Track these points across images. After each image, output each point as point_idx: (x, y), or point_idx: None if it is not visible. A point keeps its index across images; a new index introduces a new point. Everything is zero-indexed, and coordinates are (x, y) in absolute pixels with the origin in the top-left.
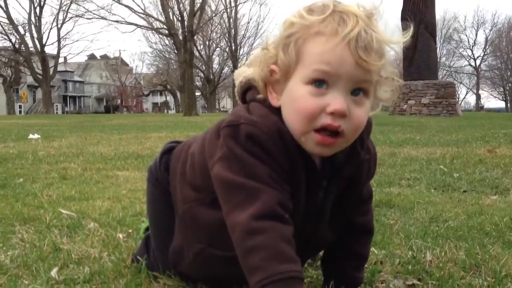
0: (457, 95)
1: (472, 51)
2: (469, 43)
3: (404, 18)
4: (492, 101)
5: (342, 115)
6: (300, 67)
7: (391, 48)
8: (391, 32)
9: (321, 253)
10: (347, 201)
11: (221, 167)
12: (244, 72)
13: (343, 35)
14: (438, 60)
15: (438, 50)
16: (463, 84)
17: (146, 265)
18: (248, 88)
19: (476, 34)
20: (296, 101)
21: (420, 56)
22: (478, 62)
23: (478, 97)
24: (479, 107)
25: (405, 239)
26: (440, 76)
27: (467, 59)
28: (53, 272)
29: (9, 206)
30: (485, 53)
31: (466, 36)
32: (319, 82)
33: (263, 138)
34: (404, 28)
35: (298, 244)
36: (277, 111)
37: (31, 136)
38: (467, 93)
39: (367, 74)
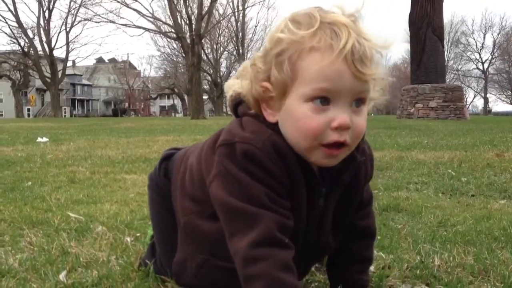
0: (465, 99)
1: (480, 54)
2: (477, 47)
3: (412, 21)
4: (500, 104)
5: (347, 128)
6: (298, 84)
7: (379, 52)
8: (377, 33)
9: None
10: (347, 206)
11: (219, 187)
12: (233, 86)
13: (338, 50)
14: (446, 63)
15: (445, 53)
16: (471, 88)
17: (153, 269)
18: (239, 101)
19: (484, 38)
20: (299, 120)
21: (428, 60)
22: (486, 65)
23: (486, 100)
24: (487, 110)
25: (413, 244)
26: (448, 80)
27: (475, 63)
28: (62, 276)
29: (18, 210)
30: (493, 56)
31: (474, 39)
32: (321, 100)
33: (258, 155)
34: (412, 31)
35: (302, 252)
36: (272, 124)
37: (39, 139)
38: (474, 97)
39: (365, 84)
